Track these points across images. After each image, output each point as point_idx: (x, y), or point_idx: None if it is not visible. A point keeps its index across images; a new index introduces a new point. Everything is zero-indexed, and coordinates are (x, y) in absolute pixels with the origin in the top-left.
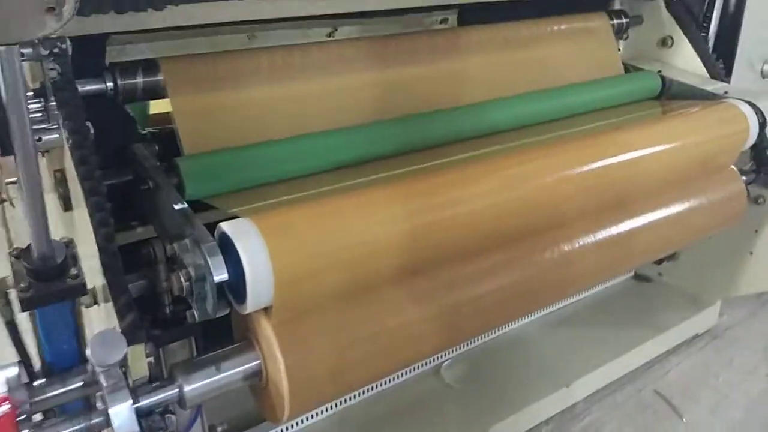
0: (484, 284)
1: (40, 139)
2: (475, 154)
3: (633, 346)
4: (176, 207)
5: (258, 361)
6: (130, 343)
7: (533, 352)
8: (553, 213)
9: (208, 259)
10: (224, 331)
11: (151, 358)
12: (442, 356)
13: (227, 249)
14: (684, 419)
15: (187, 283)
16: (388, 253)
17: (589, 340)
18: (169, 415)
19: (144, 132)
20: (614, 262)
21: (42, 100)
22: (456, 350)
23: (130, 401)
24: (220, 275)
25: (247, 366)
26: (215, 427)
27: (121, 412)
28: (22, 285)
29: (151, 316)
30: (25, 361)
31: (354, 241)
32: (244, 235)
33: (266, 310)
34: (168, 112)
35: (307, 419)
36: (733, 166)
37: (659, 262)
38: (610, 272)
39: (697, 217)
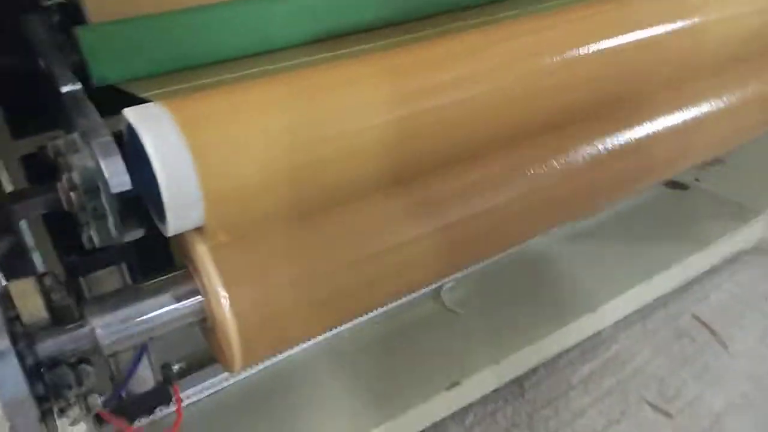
0: (494, 194)
1: None
2: (479, 22)
3: (667, 265)
4: (64, 89)
5: (197, 297)
6: (9, 275)
7: (551, 273)
8: (578, 99)
9: (101, 161)
10: (169, 256)
11: (62, 295)
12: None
13: (135, 146)
14: (728, 348)
15: (76, 195)
16: (366, 151)
17: (615, 258)
18: (84, 366)
19: (46, 2)
20: (651, 168)
21: None
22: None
23: (12, 352)
24: (119, 183)
25: (180, 303)
26: (170, 365)
27: None
28: None
29: (68, 238)
30: None
31: (318, 133)
32: (153, 124)
33: (202, 230)
34: None
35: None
36: None
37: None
38: (646, 180)
39: (759, 105)
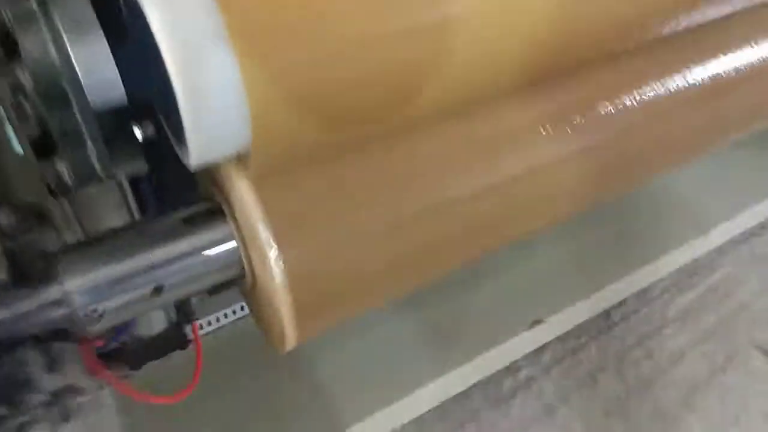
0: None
1: None
2: None
3: None
4: None
5: (232, 244)
6: None
7: (658, 190)
8: None
9: (69, 49)
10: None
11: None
12: None
13: (136, 20)
14: None
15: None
16: (493, 39)
17: (735, 175)
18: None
19: None
20: None
21: None
22: None
23: None
24: (105, 92)
25: (211, 252)
26: (189, 300)
27: None
28: None
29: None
30: None
31: (424, 14)
32: None
33: (242, 156)
34: None
35: None
36: None
37: None
38: None
39: None
